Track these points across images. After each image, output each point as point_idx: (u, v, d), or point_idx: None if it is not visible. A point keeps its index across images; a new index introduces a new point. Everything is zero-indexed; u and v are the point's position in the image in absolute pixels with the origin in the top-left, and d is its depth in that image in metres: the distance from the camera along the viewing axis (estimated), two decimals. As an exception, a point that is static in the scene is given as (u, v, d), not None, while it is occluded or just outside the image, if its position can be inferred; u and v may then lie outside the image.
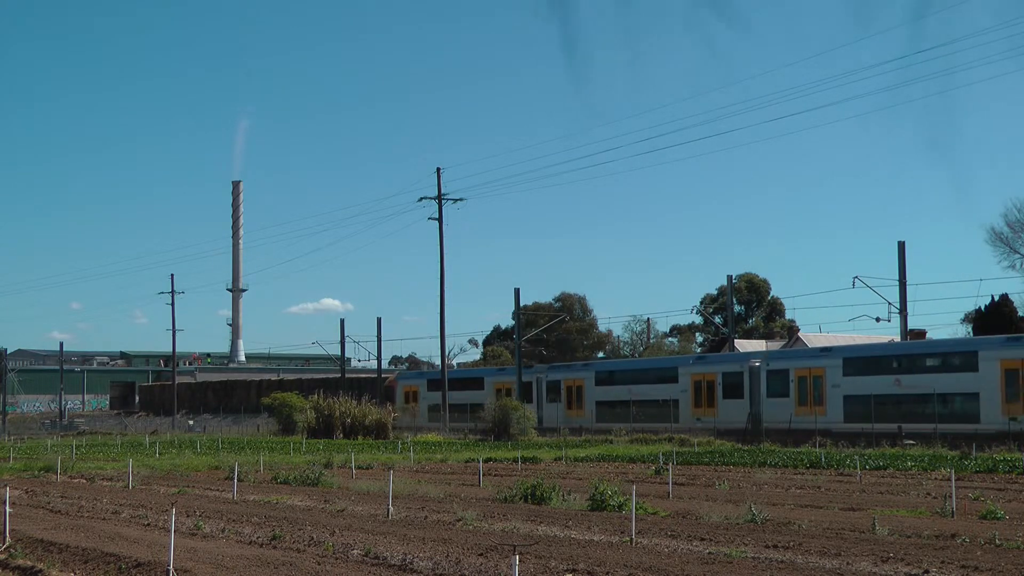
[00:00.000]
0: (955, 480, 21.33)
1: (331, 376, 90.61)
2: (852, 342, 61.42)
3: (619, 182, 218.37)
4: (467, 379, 72.36)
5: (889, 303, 54.52)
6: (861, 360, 48.56)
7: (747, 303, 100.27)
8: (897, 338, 54.96)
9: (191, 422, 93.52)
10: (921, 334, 60.45)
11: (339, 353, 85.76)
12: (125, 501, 23.46)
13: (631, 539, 15.56)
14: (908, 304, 53.64)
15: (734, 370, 53.17)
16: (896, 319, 54.29)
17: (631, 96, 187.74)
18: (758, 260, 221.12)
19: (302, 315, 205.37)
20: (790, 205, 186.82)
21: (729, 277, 70.10)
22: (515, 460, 36.51)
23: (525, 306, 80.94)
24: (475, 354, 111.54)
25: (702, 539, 15.83)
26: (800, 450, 40.66)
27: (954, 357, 45.46)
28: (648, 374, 58.76)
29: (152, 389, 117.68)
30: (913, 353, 48.24)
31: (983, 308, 65.36)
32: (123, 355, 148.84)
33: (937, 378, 44.61)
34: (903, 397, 45.54)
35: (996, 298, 65.02)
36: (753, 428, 50.38)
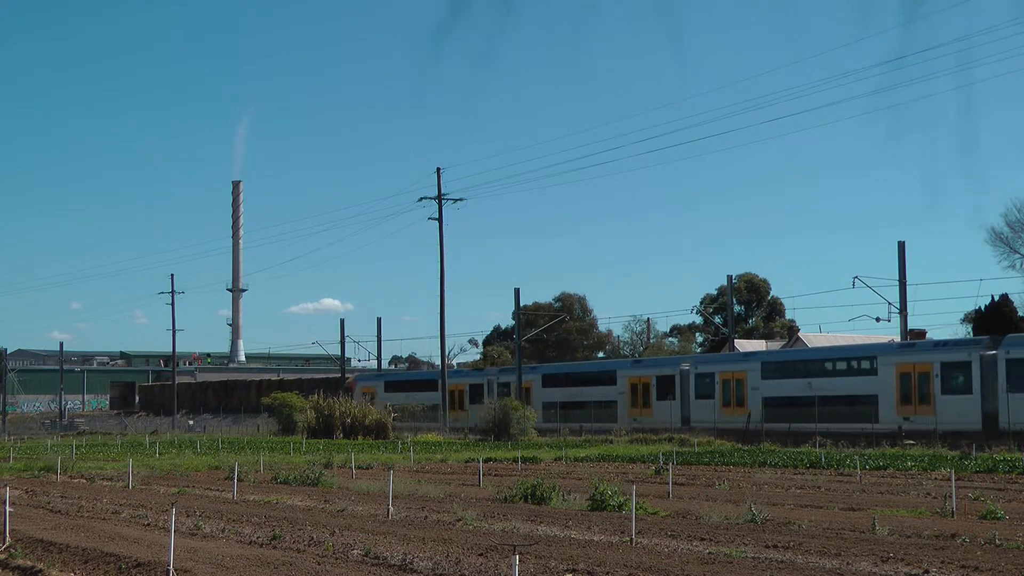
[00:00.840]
0: (955, 480, 21.34)
1: (331, 376, 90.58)
2: (851, 342, 61.70)
3: (619, 182, 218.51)
4: (420, 380, 74.86)
5: (889, 303, 54.56)
6: (778, 364, 52.71)
7: (747, 303, 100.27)
8: (897, 338, 55.01)
9: (191, 422, 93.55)
10: (921, 334, 60.46)
11: (339, 353, 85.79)
12: (125, 501, 23.46)
13: (631, 539, 15.56)
14: (908, 304, 53.77)
15: (667, 373, 56.71)
16: (896, 319, 54.31)
17: (631, 96, 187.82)
18: (758, 260, 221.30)
19: (302, 315, 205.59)
20: (790, 205, 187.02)
21: (729, 277, 70.12)
22: (515, 460, 36.52)
23: (525, 306, 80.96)
24: (475, 354, 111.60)
25: (702, 539, 15.84)
26: (800, 450, 40.71)
27: (857, 362, 49.11)
28: (590, 377, 61.49)
29: (152, 389, 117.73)
30: (823, 358, 52.02)
31: (983, 308, 65.38)
32: (123, 355, 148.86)
33: (843, 381, 48.44)
34: (814, 399, 48.82)
35: (996, 298, 65.04)
36: (683, 427, 53.73)
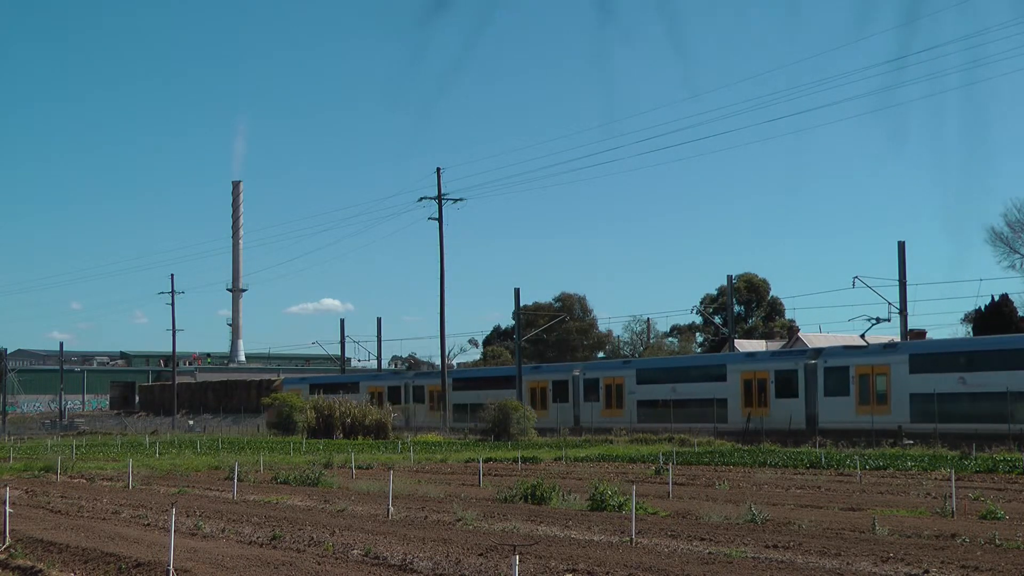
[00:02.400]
0: (955, 480, 21.34)
1: (265, 378, 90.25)
2: (851, 342, 61.66)
3: (619, 182, 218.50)
4: (343, 383, 78.93)
5: (889, 303, 54.57)
6: (649, 371, 58.93)
7: (747, 303, 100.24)
8: (897, 338, 55.03)
9: (191, 422, 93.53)
10: (921, 334, 60.50)
11: (339, 353, 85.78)
12: (125, 501, 23.47)
13: (631, 539, 15.57)
14: (908, 304, 53.83)
15: (562, 379, 62.73)
16: (896, 319, 54.33)
17: (631, 96, 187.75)
18: (758, 260, 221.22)
19: (302, 315, 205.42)
20: (790, 205, 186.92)
21: (729, 277, 70.11)
22: (515, 460, 36.52)
23: (525, 306, 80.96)
24: (475, 354, 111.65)
25: (702, 539, 15.84)
26: (800, 450, 40.73)
27: (711, 369, 55.55)
28: (495, 381, 66.24)
29: (152, 389, 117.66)
30: (684, 366, 59.33)
31: (983, 308, 65.39)
32: (123, 355, 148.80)
33: (701, 386, 54.63)
34: (678, 401, 54.95)
35: (996, 298, 65.05)
36: (574, 427, 59.18)
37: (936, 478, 27.65)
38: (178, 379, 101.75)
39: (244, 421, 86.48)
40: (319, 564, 13.90)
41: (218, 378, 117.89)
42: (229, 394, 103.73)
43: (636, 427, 54.54)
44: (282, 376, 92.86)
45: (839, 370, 48.02)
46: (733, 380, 52.86)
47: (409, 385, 72.98)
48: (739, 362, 54.09)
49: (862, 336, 55.75)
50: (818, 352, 51.01)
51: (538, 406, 61.76)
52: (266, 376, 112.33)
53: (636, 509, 16.86)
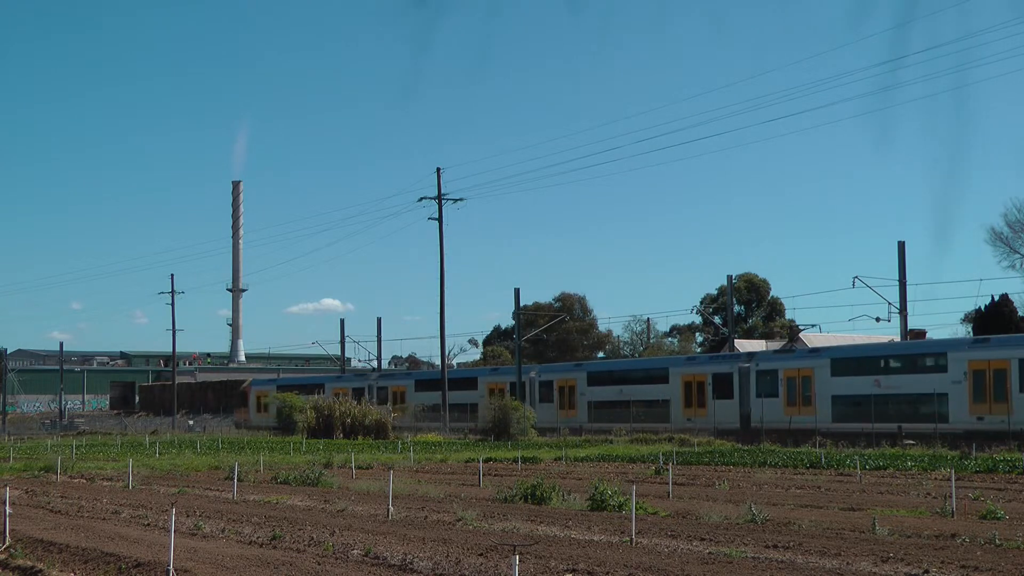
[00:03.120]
0: (955, 480, 21.33)
1: (232, 380, 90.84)
2: (850, 342, 61.74)
3: (619, 182, 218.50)
4: (309, 384, 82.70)
5: (889, 303, 54.56)
6: (599, 374, 62.27)
7: (747, 303, 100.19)
8: (897, 338, 55.05)
9: (191, 422, 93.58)
10: (921, 334, 60.49)
11: (339, 353, 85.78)
12: (125, 501, 23.46)
13: (631, 539, 15.56)
14: (908, 304, 53.85)
15: (520, 381, 65.10)
16: (896, 319, 54.32)
17: (631, 96, 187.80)
18: (758, 260, 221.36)
19: (302, 315, 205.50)
20: (790, 205, 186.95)
21: (729, 277, 70.10)
22: (515, 460, 36.52)
23: (525, 306, 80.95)
24: (475, 354, 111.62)
25: (702, 539, 15.84)
26: (800, 450, 40.73)
27: (655, 372, 58.73)
28: (457, 383, 68.01)
29: (152, 389, 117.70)
30: (632, 369, 64.20)
31: (983, 308, 65.38)
32: (123, 355, 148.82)
33: (648, 388, 57.41)
34: (625, 402, 57.51)
35: (996, 298, 65.04)
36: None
37: (936, 478, 27.65)
38: (178, 379, 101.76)
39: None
40: (319, 564, 13.90)
41: (218, 378, 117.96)
42: (229, 394, 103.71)
43: (589, 427, 57.83)
44: (251, 378, 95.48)
45: (770, 373, 50.97)
46: (675, 383, 55.67)
47: (373, 387, 75.18)
48: (680, 365, 57.82)
49: (791, 340, 60.39)
50: (751, 356, 54.19)
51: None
52: (266, 376, 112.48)
53: (636, 509, 16.86)
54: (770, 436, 48.10)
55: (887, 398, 45.37)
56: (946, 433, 42.22)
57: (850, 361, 48.16)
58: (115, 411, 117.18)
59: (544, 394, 63.31)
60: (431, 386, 68.69)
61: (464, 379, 70.65)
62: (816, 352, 51.32)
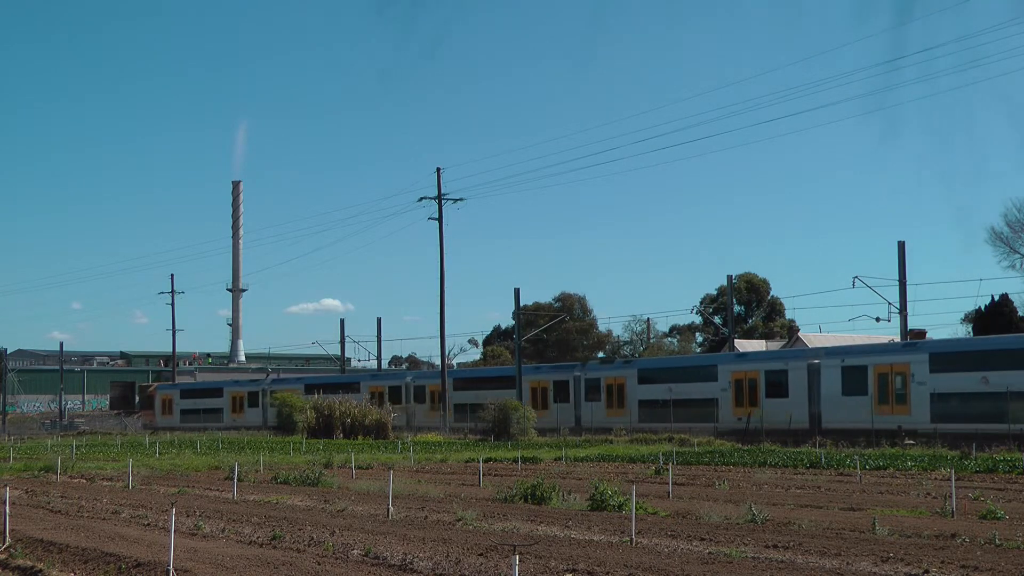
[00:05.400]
0: (955, 480, 21.33)
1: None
2: (850, 342, 61.85)
3: (619, 182, 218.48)
4: (209, 389, 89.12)
5: (889, 303, 54.58)
6: (461, 380, 69.03)
7: (747, 303, 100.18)
8: (897, 338, 55.04)
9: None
10: (921, 334, 60.50)
11: (339, 353, 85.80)
12: (125, 501, 23.46)
13: (631, 539, 15.56)
14: (908, 304, 53.82)
15: (519, 380, 68.55)
16: (896, 319, 54.32)
17: (631, 96, 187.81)
18: (758, 260, 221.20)
19: (302, 315, 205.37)
20: (790, 205, 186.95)
21: (729, 277, 70.15)
22: (515, 460, 36.51)
23: (525, 306, 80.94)
24: (475, 354, 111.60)
25: (702, 539, 15.84)
26: (800, 450, 40.73)
27: (505, 378, 66.25)
28: (384, 383, 72.96)
29: (147, 389, 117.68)
30: (486, 376, 72.00)
31: (983, 308, 65.40)
32: (123, 355, 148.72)
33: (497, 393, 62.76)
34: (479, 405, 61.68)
35: (996, 298, 65.06)
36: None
37: (936, 478, 27.64)
38: (178, 379, 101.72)
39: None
40: (319, 564, 13.90)
41: (218, 378, 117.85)
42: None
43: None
44: (156, 384, 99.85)
45: (595, 381, 59.71)
46: (525, 387, 63.15)
47: (267, 391, 79.83)
48: (529, 373, 65.38)
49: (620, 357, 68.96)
50: (583, 366, 62.36)
51: (431, 408, 68.46)
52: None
53: (636, 509, 16.86)
54: (594, 432, 55.65)
55: (677, 402, 54.81)
56: (720, 430, 51.45)
57: (654, 371, 58.62)
58: (115, 411, 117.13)
59: (459, 398, 66.57)
60: (470, 385, 69.47)
61: (393, 386, 72.91)
62: (629, 363, 61.73)
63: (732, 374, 52.98)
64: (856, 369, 47.95)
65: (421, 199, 63.97)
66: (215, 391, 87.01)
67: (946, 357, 45.65)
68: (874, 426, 45.66)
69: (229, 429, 74.77)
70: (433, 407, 66.23)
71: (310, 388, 75.46)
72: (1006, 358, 43.74)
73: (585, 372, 60.77)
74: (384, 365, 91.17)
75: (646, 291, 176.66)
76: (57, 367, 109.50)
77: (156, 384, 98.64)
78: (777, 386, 50.64)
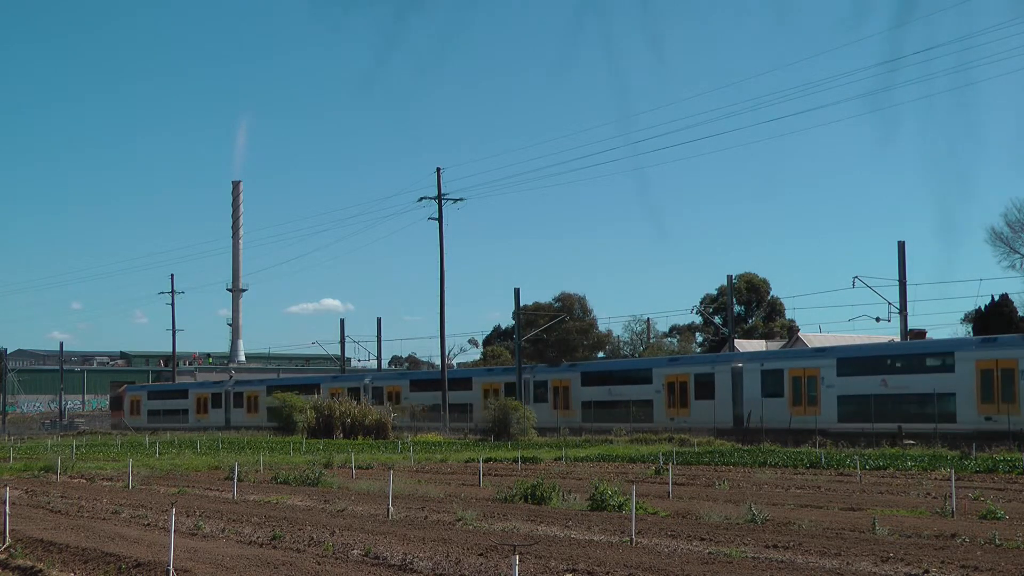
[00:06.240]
0: (955, 480, 21.33)
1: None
2: (850, 342, 61.97)
3: (619, 182, 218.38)
4: (175, 391, 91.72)
5: (889, 303, 54.58)
6: (420, 382, 71.76)
7: (747, 303, 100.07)
8: (897, 338, 55.06)
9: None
10: (921, 334, 60.50)
11: (339, 353, 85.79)
12: (125, 501, 23.46)
13: (631, 539, 15.56)
14: (908, 304, 53.86)
15: (354, 386, 72.27)
16: (896, 319, 54.32)
17: (630, 96, 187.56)
18: (758, 260, 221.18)
19: (302, 315, 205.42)
20: (790, 205, 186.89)
21: (729, 277, 70.12)
22: (515, 460, 36.51)
23: (525, 306, 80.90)
24: (475, 354, 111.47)
25: (702, 539, 15.83)
26: (800, 450, 40.74)
27: (462, 380, 69.55)
28: (343, 384, 74.80)
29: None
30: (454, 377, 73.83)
31: (983, 308, 65.37)
32: (123, 355, 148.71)
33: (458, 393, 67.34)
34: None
35: (996, 298, 65.02)
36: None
37: (936, 478, 27.65)
38: (178, 379, 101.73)
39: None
40: (319, 564, 13.90)
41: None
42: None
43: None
44: (125, 385, 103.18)
45: (543, 383, 63.24)
46: (477, 389, 66.18)
47: (230, 393, 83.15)
48: (481, 375, 69.89)
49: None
50: (532, 368, 66.34)
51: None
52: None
53: (636, 509, 16.86)
54: (540, 432, 57.95)
55: (617, 403, 57.59)
56: (653, 428, 54.16)
57: (596, 374, 61.59)
58: (115, 411, 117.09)
59: (417, 396, 69.80)
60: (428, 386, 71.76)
61: (351, 388, 74.40)
62: (573, 366, 64.88)
63: (666, 377, 56.18)
64: (774, 372, 51.07)
65: (421, 199, 64.04)
66: (180, 392, 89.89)
67: (851, 362, 48.60)
68: (791, 425, 48.65)
69: (194, 429, 76.97)
70: (394, 408, 66.91)
71: (271, 389, 78.76)
72: (902, 363, 46.97)
73: (533, 375, 63.87)
74: (384, 365, 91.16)
75: (646, 291, 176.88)
76: (57, 367, 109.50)
77: (125, 385, 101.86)
78: (705, 389, 53.77)
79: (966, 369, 43.83)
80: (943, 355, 45.63)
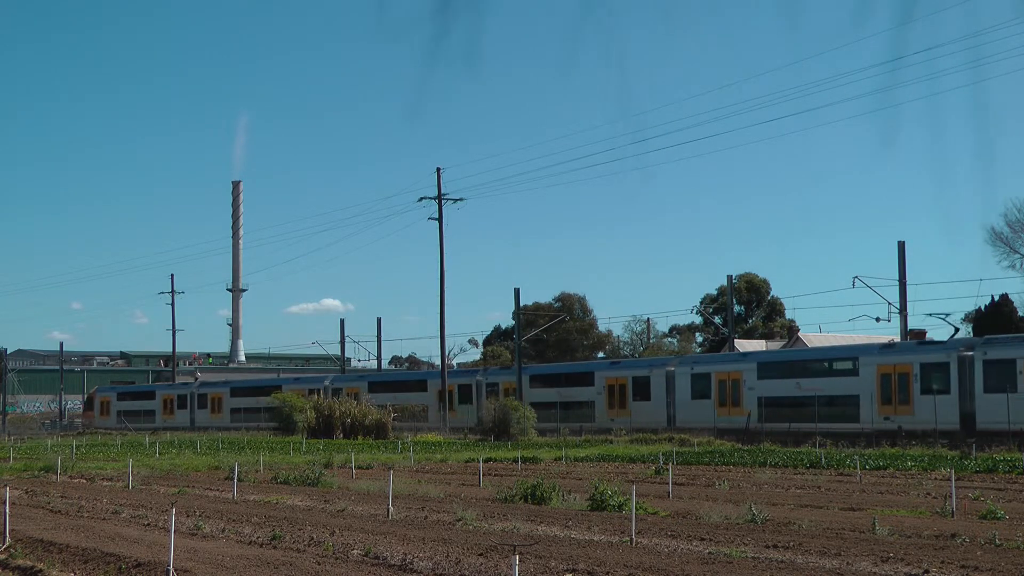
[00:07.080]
0: (955, 480, 21.33)
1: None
2: (850, 342, 62.07)
3: (619, 182, 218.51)
4: (142, 392, 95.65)
5: (889, 303, 54.58)
6: (379, 384, 73.50)
7: (747, 303, 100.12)
8: (897, 338, 55.05)
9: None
10: (921, 334, 60.49)
11: (339, 353, 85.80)
12: (125, 501, 23.46)
13: (631, 539, 15.57)
14: (908, 304, 53.91)
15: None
16: (896, 319, 54.32)
17: (631, 96, 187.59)
18: (758, 260, 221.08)
19: (302, 315, 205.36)
20: (790, 205, 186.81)
21: (729, 277, 70.15)
22: (515, 460, 36.51)
23: (525, 306, 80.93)
24: (475, 354, 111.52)
25: (702, 539, 15.84)
26: (800, 450, 40.75)
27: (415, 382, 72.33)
28: (304, 386, 76.57)
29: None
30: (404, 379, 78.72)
31: (983, 308, 65.38)
32: (123, 355, 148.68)
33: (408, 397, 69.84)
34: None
35: (996, 298, 65.02)
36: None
37: (936, 478, 27.65)
38: (178, 379, 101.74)
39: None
40: (319, 564, 13.90)
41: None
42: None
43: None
44: (96, 387, 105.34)
45: (495, 384, 64.99)
46: (432, 389, 67.46)
47: (195, 394, 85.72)
48: (435, 378, 68.86)
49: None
50: (485, 371, 69.59)
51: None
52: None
53: (636, 509, 16.86)
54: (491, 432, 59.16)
55: (564, 404, 60.15)
56: (592, 429, 56.16)
57: (544, 376, 64.25)
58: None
59: (378, 393, 69.42)
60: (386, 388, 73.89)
61: (315, 389, 75.16)
62: (524, 368, 65.74)
63: (606, 379, 58.62)
64: (702, 376, 54.17)
65: (421, 199, 63.97)
66: (148, 394, 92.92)
67: (770, 366, 52.07)
68: (716, 425, 51.61)
69: (161, 429, 78.66)
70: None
71: (236, 392, 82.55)
72: (815, 367, 50.12)
73: (486, 377, 66.87)
74: (385, 365, 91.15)
75: (646, 291, 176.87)
76: (57, 367, 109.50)
77: (96, 387, 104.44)
78: (643, 391, 56.47)
79: (868, 373, 46.50)
80: (849, 359, 48.84)
